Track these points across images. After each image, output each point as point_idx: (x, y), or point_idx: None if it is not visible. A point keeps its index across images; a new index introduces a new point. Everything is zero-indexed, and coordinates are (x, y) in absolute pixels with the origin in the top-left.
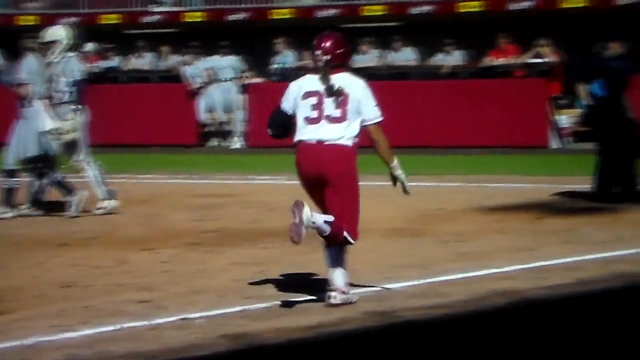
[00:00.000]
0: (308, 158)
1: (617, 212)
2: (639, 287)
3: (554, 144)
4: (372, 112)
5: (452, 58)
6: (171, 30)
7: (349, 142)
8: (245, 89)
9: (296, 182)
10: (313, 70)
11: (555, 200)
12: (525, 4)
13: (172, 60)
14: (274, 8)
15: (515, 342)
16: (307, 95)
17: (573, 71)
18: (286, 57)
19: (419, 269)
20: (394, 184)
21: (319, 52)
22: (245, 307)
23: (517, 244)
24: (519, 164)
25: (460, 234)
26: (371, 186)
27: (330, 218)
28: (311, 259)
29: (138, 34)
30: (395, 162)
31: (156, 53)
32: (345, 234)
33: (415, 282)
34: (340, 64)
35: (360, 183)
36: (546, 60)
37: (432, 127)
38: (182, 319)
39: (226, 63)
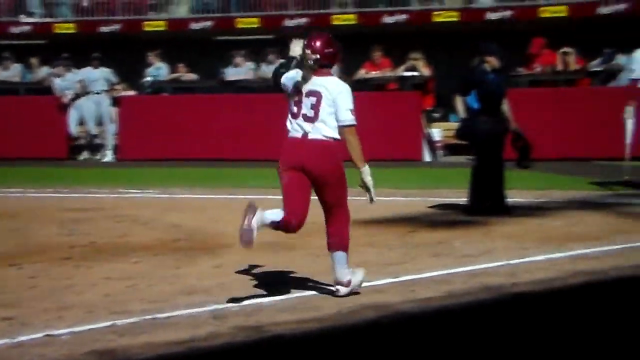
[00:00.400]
0: (292, 151)
1: (488, 225)
2: (505, 300)
3: (427, 157)
4: (343, 115)
5: None
6: (41, 41)
7: (330, 139)
8: (116, 101)
9: (164, 195)
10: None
11: (427, 214)
12: (399, 17)
13: (42, 72)
14: (147, 20)
15: (385, 355)
16: (293, 90)
17: (446, 85)
18: (159, 70)
19: (289, 282)
20: (363, 189)
21: (308, 51)
22: (114, 322)
23: (388, 258)
24: (392, 177)
25: None
26: (240, 199)
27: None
28: (182, 273)
29: (6, 44)
30: (366, 167)
31: (25, 64)
32: (348, 235)
33: (286, 296)
34: (328, 64)
35: (232, 196)
36: (419, 73)
37: None
38: (47, 335)
39: (98, 75)
